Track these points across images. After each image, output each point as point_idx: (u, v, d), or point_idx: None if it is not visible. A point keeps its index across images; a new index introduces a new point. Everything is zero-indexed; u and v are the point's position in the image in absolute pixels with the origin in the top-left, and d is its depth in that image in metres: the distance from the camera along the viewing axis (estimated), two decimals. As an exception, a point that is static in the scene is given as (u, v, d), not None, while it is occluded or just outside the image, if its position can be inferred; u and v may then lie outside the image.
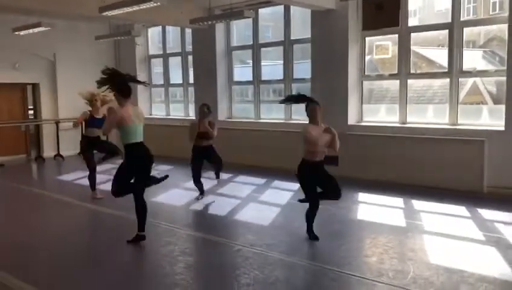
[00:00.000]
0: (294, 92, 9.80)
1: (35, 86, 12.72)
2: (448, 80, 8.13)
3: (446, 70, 8.18)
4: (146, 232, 5.36)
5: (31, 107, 13.09)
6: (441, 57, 8.62)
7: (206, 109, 7.36)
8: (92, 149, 7.61)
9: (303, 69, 10.08)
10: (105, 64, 13.79)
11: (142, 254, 5.13)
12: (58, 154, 12.46)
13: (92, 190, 7.58)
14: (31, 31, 10.08)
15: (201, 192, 7.53)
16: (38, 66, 12.45)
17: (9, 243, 5.56)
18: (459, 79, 8.07)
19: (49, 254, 5.23)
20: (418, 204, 7.06)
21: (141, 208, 5.30)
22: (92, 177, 7.55)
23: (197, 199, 7.46)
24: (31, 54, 12.16)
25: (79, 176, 10.05)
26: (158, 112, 13.56)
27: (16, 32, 10.34)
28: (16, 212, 7.17)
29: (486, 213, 6.45)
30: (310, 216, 5.37)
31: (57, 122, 12.52)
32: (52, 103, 12.79)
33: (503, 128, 7.49)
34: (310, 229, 5.38)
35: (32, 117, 13.06)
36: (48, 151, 12.63)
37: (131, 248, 5.22)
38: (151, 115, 13.64)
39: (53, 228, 6.29)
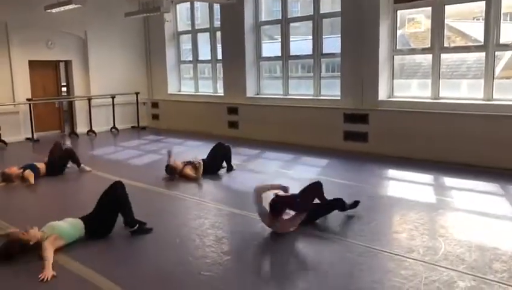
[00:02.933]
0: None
1: (67, 63, 12.96)
2: (483, 53, 7.87)
3: (481, 43, 7.91)
4: (175, 206, 5.39)
5: (64, 84, 13.39)
6: (475, 30, 8.32)
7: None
8: None
9: (332, 43, 9.91)
10: (136, 40, 14.03)
11: (173, 227, 5.24)
12: (91, 130, 12.76)
13: None
14: (62, 8, 10.20)
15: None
16: (70, 43, 12.66)
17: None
18: (496, 53, 7.80)
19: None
20: (449, 181, 6.94)
21: None
22: None
23: None
24: (63, 32, 12.36)
25: (111, 151, 10.31)
26: (187, 88, 13.65)
27: (48, 10, 10.49)
28: (52, 185, 7.42)
29: (521, 191, 6.30)
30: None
31: (89, 99, 12.78)
32: (84, 79, 13.03)
33: (541, 104, 7.25)
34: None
35: (65, 94, 13.36)
36: (81, 127, 12.95)
37: (162, 220, 5.34)
38: (180, 91, 13.76)
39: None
